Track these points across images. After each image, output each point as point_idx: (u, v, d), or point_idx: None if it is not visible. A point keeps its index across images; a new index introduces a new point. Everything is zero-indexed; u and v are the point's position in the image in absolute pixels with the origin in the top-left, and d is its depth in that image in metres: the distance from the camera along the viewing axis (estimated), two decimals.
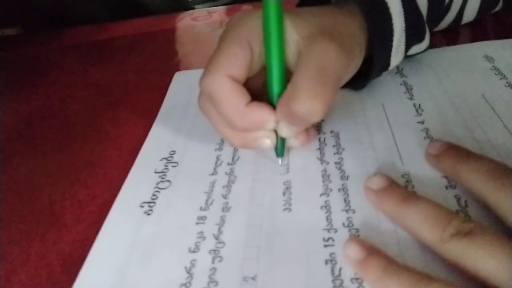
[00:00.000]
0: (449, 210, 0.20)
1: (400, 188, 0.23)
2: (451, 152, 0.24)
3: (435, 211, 0.20)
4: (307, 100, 0.22)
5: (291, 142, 0.27)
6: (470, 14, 0.37)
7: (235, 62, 0.24)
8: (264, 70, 0.26)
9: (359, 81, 0.31)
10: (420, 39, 0.31)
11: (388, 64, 0.29)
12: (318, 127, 0.29)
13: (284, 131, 0.25)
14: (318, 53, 0.23)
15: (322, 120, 0.30)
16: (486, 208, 0.21)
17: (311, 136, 0.27)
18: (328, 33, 0.24)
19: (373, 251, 0.20)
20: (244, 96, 0.24)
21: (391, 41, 0.28)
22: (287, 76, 0.25)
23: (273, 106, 0.25)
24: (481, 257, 0.18)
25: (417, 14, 0.29)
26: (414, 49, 0.31)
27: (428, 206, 0.21)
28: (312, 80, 0.23)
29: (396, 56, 0.29)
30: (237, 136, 0.26)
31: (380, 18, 0.27)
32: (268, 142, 0.26)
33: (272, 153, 0.27)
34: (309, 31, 0.24)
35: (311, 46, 0.24)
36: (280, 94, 0.24)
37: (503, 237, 0.18)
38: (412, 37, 0.30)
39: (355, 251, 0.20)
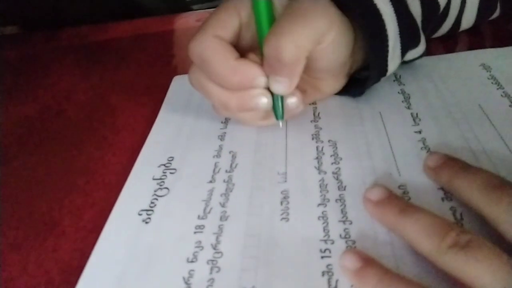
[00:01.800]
0: (447, 221, 0.21)
1: (398, 199, 0.23)
2: (448, 165, 0.24)
3: (433, 222, 0.21)
4: (271, 37, 0.24)
5: (290, 103, 0.28)
6: (468, 20, 0.37)
7: (222, 25, 0.26)
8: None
9: (358, 87, 0.31)
10: (416, 44, 0.31)
11: (386, 70, 0.30)
12: (316, 136, 0.30)
13: (274, 85, 0.26)
14: (300, 1, 0.25)
15: (320, 128, 0.30)
16: (482, 221, 0.21)
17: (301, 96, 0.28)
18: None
19: (369, 261, 0.21)
20: (233, 52, 0.26)
21: (387, 46, 0.28)
22: None
23: None
24: (477, 271, 0.18)
25: (410, 20, 0.30)
26: (411, 54, 0.32)
27: (426, 217, 0.21)
28: (280, 20, 0.25)
29: (393, 61, 0.29)
30: (233, 98, 0.27)
31: (374, 24, 0.28)
32: (265, 100, 0.27)
33: (274, 152, 0.28)
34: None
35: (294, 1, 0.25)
36: None
37: (500, 251, 0.19)
38: (407, 42, 0.30)
39: (351, 261, 0.21)
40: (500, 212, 0.20)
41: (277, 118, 0.28)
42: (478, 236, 0.19)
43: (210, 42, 0.25)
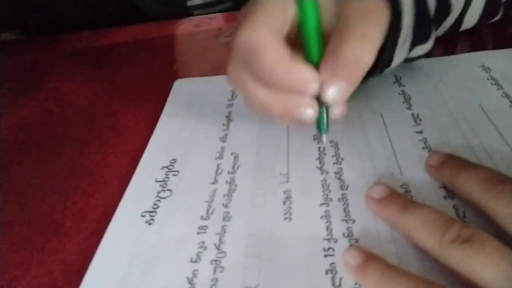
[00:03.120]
0: (449, 216, 0.21)
1: (400, 196, 0.23)
2: (450, 163, 0.24)
3: (435, 217, 0.21)
4: (355, 41, 0.22)
5: (334, 113, 0.25)
6: (469, 20, 0.37)
7: (274, 19, 0.23)
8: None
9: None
10: (426, 39, 0.31)
11: (391, 61, 0.29)
12: (317, 137, 0.30)
13: (331, 90, 0.22)
14: (359, 2, 0.23)
15: None
16: (484, 219, 0.21)
17: (347, 107, 0.25)
18: None
19: (371, 257, 0.21)
20: (287, 48, 0.23)
21: (397, 37, 0.27)
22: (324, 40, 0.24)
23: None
24: (479, 264, 0.18)
25: (426, 14, 0.29)
26: (417, 51, 0.31)
27: (428, 212, 0.21)
28: (357, 23, 0.22)
29: (400, 54, 0.29)
30: (278, 101, 0.24)
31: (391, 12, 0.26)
32: (311, 112, 0.24)
33: (276, 153, 0.28)
34: None
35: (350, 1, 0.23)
36: (319, 58, 0.23)
37: (502, 244, 0.19)
38: (418, 36, 0.29)
39: (353, 257, 0.21)
40: (501, 206, 0.20)
41: (320, 132, 0.25)
42: (480, 230, 0.19)
43: (264, 33, 0.22)
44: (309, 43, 0.23)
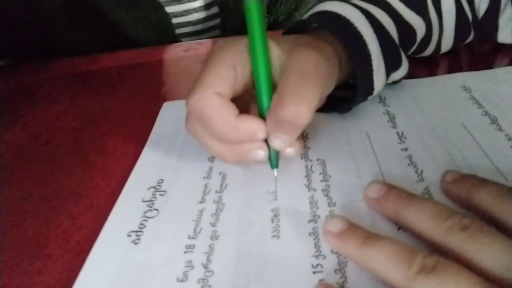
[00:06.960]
0: (411, 247, 0.20)
1: (360, 229, 0.22)
2: (392, 195, 0.24)
3: (397, 249, 0.20)
4: (291, 105, 0.24)
5: (286, 152, 0.27)
6: (447, 44, 0.40)
7: (221, 81, 0.25)
8: (246, 92, 0.27)
9: (346, 104, 0.32)
10: (398, 64, 0.33)
11: (372, 88, 0.31)
12: (304, 155, 0.30)
13: (276, 142, 0.26)
14: (299, 60, 0.26)
15: (309, 148, 0.31)
16: None
17: (301, 146, 0.28)
18: (307, 44, 0.27)
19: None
20: (234, 109, 0.26)
21: (371, 65, 0.30)
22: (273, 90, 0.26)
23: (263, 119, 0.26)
24: None
25: (390, 41, 0.31)
26: (395, 76, 0.33)
27: (389, 245, 0.20)
28: (294, 85, 0.25)
29: (378, 79, 0.31)
30: (231, 151, 0.27)
31: (356, 43, 0.29)
32: (262, 153, 0.26)
33: (264, 172, 0.28)
34: (290, 46, 0.27)
35: (293, 56, 0.26)
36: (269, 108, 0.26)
37: (466, 270, 0.19)
38: (390, 61, 0.31)
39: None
40: (455, 242, 0.20)
41: (271, 167, 0.27)
42: (444, 258, 0.19)
43: (212, 100, 0.25)
44: (261, 93, 0.26)
